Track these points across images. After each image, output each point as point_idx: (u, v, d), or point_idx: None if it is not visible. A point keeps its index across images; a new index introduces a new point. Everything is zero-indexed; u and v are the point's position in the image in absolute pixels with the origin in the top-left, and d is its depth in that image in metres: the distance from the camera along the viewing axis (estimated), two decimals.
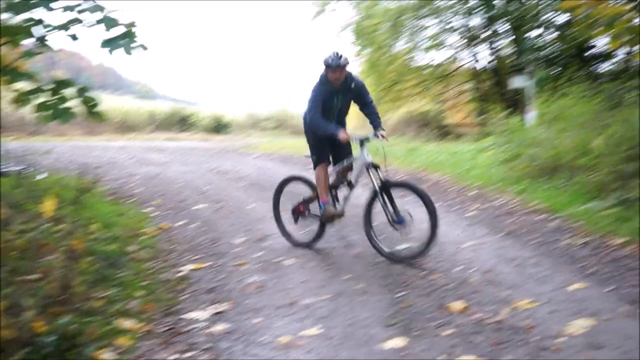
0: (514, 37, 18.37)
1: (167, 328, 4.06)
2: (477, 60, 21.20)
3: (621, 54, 15.20)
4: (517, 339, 3.83)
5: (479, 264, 5.57)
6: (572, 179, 8.61)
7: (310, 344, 3.85)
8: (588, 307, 4.34)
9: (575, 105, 10.39)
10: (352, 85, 6.02)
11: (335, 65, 5.74)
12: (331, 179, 6.26)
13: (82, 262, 4.43)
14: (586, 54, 16.08)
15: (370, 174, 5.83)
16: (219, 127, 32.45)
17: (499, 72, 20.13)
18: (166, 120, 31.52)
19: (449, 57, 22.60)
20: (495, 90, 20.36)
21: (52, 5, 4.58)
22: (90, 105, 4.70)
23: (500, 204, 8.49)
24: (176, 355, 3.65)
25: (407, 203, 5.77)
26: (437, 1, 20.18)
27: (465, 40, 20.88)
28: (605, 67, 16.01)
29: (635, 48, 11.89)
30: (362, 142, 5.92)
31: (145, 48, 4.87)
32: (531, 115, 12.71)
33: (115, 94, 36.14)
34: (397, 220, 5.68)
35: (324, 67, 5.84)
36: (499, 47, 20.29)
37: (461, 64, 23.35)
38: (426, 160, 14.02)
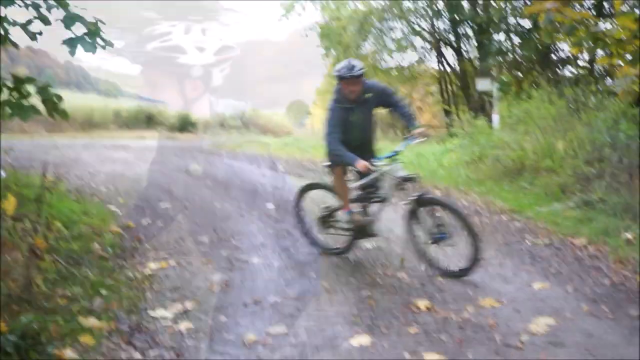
0: (479, 40, 18.53)
1: (131, 326, 4.02)
2: (443, 63, 21.37)
3: (583, 59, 15.45)
4: (481, 336, 3.89)
5: (444, 263, 5.60)
6: (536, 181, 8.74)
7: (276, 342, 3.86)
8: (550, 305, 4.42)
9: (539, 109, 10.55)
10: (367, 95, 5.43)
11: (349, 77, 5.24)
12: (356, 193, 5.73)
13: (45, 261, 4.37)
14: (552, 57, 16.28)
15: (404, 189, 5.39)
16: (185, 125, 32.13)
17: (464, 75, 20.31)
18: (132, 119, 31.09)
19: (416, 59, 22.72)
20: (461, 93, 20.53)
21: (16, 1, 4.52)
22: (51, 102, 4.63)
23: (465, 204, 8.57)
24: (140, 353, 3.62)
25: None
26: (405, 2, 20.28)
27: (431, 44, 21.02)
28: (570, 71, 16.22)
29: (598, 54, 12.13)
30: (391, 157, 5.43)
31: (111, 45, 4.82)
32: (496, 117, 12.85)
33: (81, 91, 35.43)
34: (438, 237, 5.20)
35: (336, 80, 5.40)
36: (465, 51, 20.47)
37: (428, 66, 23.49)
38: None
